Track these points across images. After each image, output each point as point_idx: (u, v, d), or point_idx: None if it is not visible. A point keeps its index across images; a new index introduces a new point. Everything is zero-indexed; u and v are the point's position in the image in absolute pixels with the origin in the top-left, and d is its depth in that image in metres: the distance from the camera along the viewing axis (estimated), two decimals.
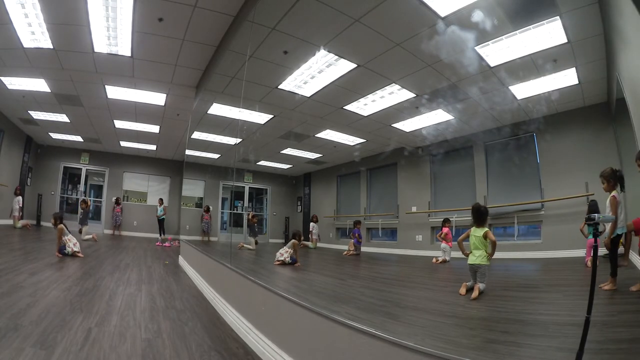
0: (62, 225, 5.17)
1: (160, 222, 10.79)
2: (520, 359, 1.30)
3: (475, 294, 2.34)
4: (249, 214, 8.19)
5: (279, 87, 5.18)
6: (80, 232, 7.66)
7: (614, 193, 1.85)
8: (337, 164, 8.52)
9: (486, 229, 2.65)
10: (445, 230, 4.80)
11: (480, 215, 2.70)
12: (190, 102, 6.57)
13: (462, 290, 2.46)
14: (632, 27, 1.56)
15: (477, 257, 2.59)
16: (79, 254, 5.32)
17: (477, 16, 3.12)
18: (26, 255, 4.74)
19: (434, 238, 5.40)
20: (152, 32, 4.46)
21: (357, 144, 7.12)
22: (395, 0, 3.22)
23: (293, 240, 4.63)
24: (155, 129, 8.91)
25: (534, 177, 3.61)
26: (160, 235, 10.67)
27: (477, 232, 2.66)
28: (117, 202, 11.25)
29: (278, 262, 4.45)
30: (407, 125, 5.73)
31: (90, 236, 7.91)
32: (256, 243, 6.80)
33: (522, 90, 3.83)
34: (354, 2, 3.32)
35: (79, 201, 8.78)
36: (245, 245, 6.75)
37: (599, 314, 1.51)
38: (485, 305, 2.25)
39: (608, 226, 1.90)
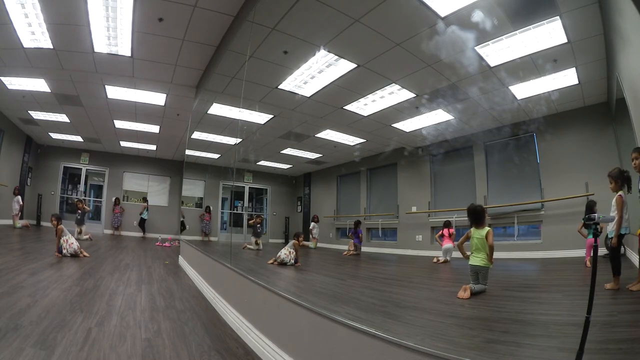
0: (62, 226, 5.17)
1: (144, 221, 11.17)
2: (520, 359, 1.30)
3: (467, 293, 2.34)
4: (250, 217, 8.22)
5: (279, 87, 5.18)
6: (79, 232, 7.67)
7: (620, 193, 1.87)
8: (337, 164, 8.52)
9: (487, 229, 2.64)
10: (452, 230, 4.81)
11: (477, 216, 2.70)
12: (190, 102, 6.57)
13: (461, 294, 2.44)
14: (632, 27, 1.56)
15: (479, 258, 2.58)
16: (85, 254, 5.33)
17: (477, 16, 3.12)
18: (26, 255, 4.74)
19: (434, 238, 5.40)
20: (152, 32, 4.46)
21: (357, 144, 7.12)
22: (395, 0, 3.22)
23: (293, 241, 4.63)
24: (155, 129, 8.91)
25: (534, 177, 3.61)
26: (143, 232, 11.16)
27: (478, 234, 2.65)
28: (117, 203, 11.25)
29: (275, 262, 4.44)
30: (407, 125, 5.73)
31: (87, 236, 7.92)
32: (257, 243, 6.80)
33: (522, 90, 3.83)
34: (354, 2, 3.32)
35: (76, 201, 8.77)
36: (248, 245, 6.77)
37: (599, 314, 1.51)
38: (485, 305, 2.25)
39: (610, 226, 1.91)
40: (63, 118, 8.42)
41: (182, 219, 10.11)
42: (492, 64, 3.75)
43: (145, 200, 11.54)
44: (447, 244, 4.72)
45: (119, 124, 8.61)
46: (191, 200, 11.86)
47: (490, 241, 2.58)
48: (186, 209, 10.91)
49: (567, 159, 3.31)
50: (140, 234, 11.35)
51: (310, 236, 7.60)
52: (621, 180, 1.87)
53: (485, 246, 2.59)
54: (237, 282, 2.93)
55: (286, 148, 8.34)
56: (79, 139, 10.40)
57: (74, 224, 7.84)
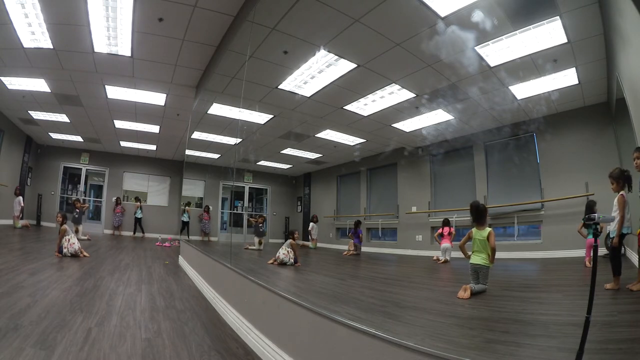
0: (66, 226, 5.17)
1: (139, 220, 11.38)
2: (520, 359, 1.30)
3: (467, 293, 2.34)
4: (254, 217, 8.21)
5: (279, 87, 5.18)
6: (76, 231, 7.65)
7: (622, 192, 1.87)
8: (337, 164, 8.53)
9: (489, 229, 2.63)
10: (452, 230, 4.81)
11: (479, 214, 2.69)
12: (190, 102, 6.57)
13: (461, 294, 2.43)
14: (632, 27, 1.56)
15: (480, 257, 2.58)
16: (85, 254, 5.33)
17: (477, 16, 3.12)
18: (26, 255, 4.74)
19: (434, 238, 5.40)
20: (152, 32, 4.46)
21: (357, 144, 7.12)
22: (395, 0, 3.22)
23: (290, 240, 4.62)
24: (155, 129, 8.91)
25: (534, 177, 3.62)
26: (142, 232, 11.36)
27: (479, 235, 2.65)
28: (118, 203, 11.26)
29: (275, 262, 4.44)
30: (407, 125, 5.73)
31: (86, 237, 7.91)
32: (260, 243, 6.80)
33: (522, 90, 3.83)
34: (354, 2, 3.32)
35: (74, 200, 8.74)
36: (249, 246, 6.78)
37: (599, 314, 1.51)
38: (485, 305, 2.25)
39: (612, 225, 1.92)
40: (63, 118, 8.42)
41: (187, 220, 10.17)
42: (492, 64, 3.75)
43: (137, 199, 11.63)
44: (445, 243, 4.73)
45: (119, 124, 8.61)
46: (191, 200, 11.87)
47: (492, 243, 2.58)
48: (192, 209, 10.87)
49: (567, 159, 3.32)
50: (130, 233, 11.41)
51: (310, 236, 7.60)
52: (622, 180, 1.88)
53: (487, 247, 2.59)
54: (237, 282, 2.93)
55: (286, 148, 8.34)
56: (79, 139, 10.40)
57: (71, 222, 7.81)
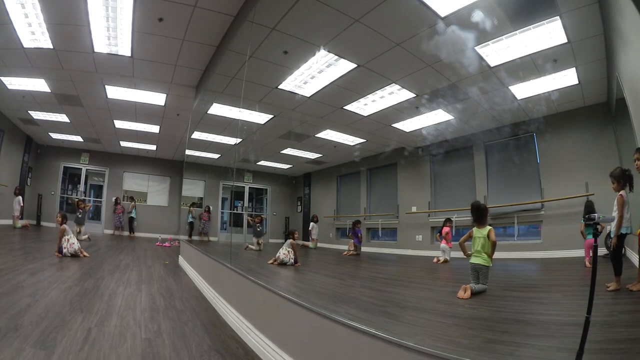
0: (65, 226, 5.17)
1: (132, 220, 11.45)
2: (520, 359, 1.30)
3: (468, 293, 2.34)
4: (252, 217, 8.21)
5: (279, 87, 5.18)
6: (78, 232, 7.65)
7: (621, 192, 1.87)
8: (337, 164, 8.52)
9: (489, 227, 2.64)
10: (446, 229, 4.81)
11: (480, 213, 2.69)
12: (190, 102, 6.57)
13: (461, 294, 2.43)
14: (632, 27, 1.56)
15: (481, 257, 2.58)
16: (85, 254, 5.33)
17: (477, 16, 3.12)
18: (26, 255, 4.74)
19: (434, 238, 5.41)
20: (152, 32, 4.46)
21: (357, 144, 7.12)
22: (395, 0, 3.22)
23: (290, 240, 4.61)
24: (155, 129, 8.91)
25: (534, 177, 3.62)
26: (132, 232, 11.42)
27: (480, 233, 2.65)
28: (117, 203, 11.26)
29: (275, 262, 4.44)
30: (407, 125, 5.73)
31: (85, 236, 7.91)
32: (258, 243, 6.80)
33: (522, 90, 3.83)
34: (354, 2, 3.32)
35: (77, 201, 8.75)
36: (250, 246, 6.78)
37: (599, 314, 1.51)
38: (485, 305, 2.25)
39: (612, 225, 1.91)
40: (63, 118, 8.42)
41: (192, 220, 10.20)
42: (492, 64, 3.75)
43: (132, 199, 11.68)
44: (443, 243, 4.75)
45: (119, 124, 8.61)
46: (191, 200, 11.86)
47: (493, 237, 2.58)
48: (196, 209, 10.84)
49: (567, 159, 3.32)
50: (126, 233, 11.42)
51: (310, 236, 7.60)
52: (623, 179, 1.87)
53: (487, 246, 2.59)
54: (237, 282, 2.93)
55: (286, 148, 8.34)
56: (79, 139, 10.40)
57: (74, 223, 7.82)
